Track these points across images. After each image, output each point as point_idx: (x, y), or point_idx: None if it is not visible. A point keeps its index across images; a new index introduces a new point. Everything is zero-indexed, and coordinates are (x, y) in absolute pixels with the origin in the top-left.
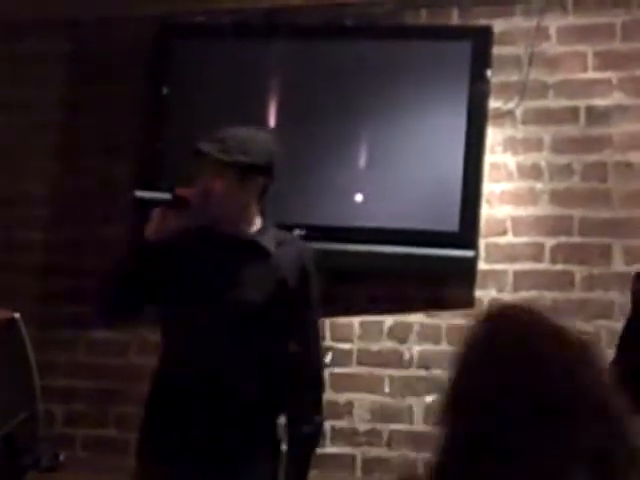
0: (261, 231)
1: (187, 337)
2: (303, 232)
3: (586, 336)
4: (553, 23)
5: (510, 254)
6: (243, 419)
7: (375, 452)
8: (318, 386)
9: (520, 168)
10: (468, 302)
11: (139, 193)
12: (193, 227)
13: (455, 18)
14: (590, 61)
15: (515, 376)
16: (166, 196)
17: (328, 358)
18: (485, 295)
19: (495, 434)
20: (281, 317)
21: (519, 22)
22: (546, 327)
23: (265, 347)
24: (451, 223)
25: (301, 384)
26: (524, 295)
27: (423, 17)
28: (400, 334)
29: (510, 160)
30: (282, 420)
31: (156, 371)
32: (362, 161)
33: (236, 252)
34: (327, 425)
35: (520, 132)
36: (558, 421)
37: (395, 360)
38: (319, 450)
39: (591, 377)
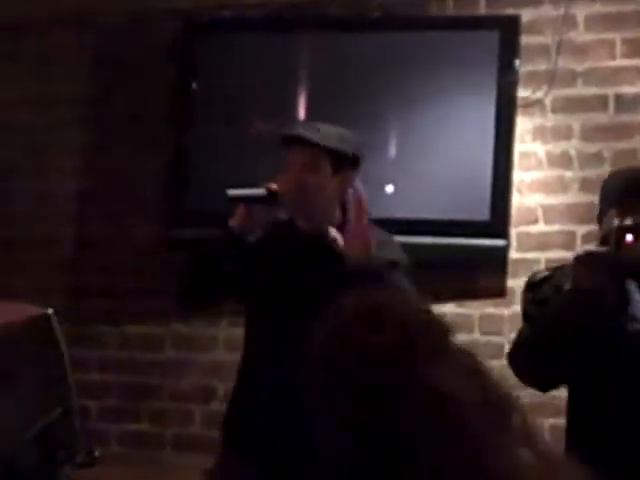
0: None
1: (264, 337)
2: None
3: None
4: (581, 11)
5: (541, 243)
6: None
7: None
8: None
9: (550, 156)
10: (500, 291)
11: (231, 192)
12: (276, 223)
13: (482, 8)
14: (618, 48)
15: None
16: (259, 191)
17: None
18: (517, 284)
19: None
20: None
21: (547, 11)
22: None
23: None
24: (482, 213)
25: None
26: None
27: (450, 7)
28: None
29: (540, 149)
30: None
31: (240, 366)
32: (392, 152)
33: (312, 254)
34: None
35: (549, 121)
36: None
37: None
38: None
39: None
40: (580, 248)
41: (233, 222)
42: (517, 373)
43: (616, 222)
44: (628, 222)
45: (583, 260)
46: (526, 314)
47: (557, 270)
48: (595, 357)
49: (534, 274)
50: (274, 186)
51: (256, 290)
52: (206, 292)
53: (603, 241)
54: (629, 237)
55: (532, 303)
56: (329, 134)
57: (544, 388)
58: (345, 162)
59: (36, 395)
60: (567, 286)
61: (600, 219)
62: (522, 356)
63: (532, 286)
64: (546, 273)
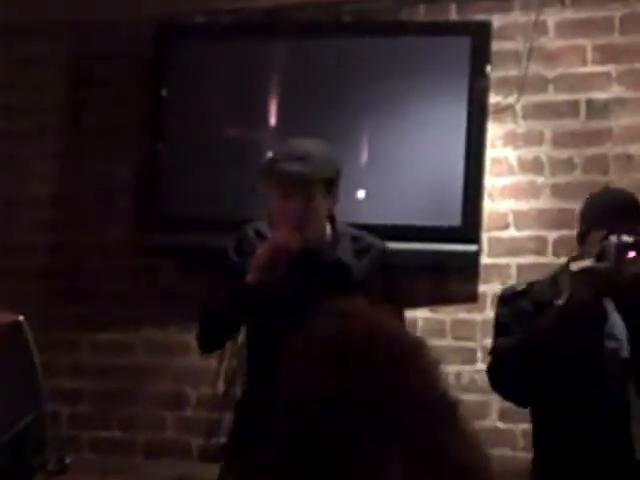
0: (335, 241)
1: (270, 358)
2: None
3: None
4: (551, 17)
5: (513, 248)
6: None
7: None
8: None
9: (521, 162)
10: (472, 296)
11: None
12: None
13: (453, 13)
14: (589, 55)
15: (351, 379)
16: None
17: None
18: (488, 289)
19: (326, 432)
20: None
21: (517, 17)
22: (379, 329)
23: None
24: (453, 218)
25: None
26: None
27: (421, 13)
28: None
29: (511, 154)
30: None
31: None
32: (363, 158)
33: (318, 274)
34: None
35: (520, 126)
36: (384, 421)
37: None
38: None
39: (417, 378)
40: (551, 254)
41: (250, 278)
42: (499, 388)
43: (614, 239)
44: (629, 239)
45: (583, 276)
46: (502, 328)
47: (532, 286)
48: (574, 372)
49: (506, 289)
50: (276, 241)
51: (269, 320)
52: (224, 340)
53: (599, 258)
54: (631, 253)
55: (511, 316)
56: (317, 162)
57: (526, 404)
58: (336, 182)
59: (7, 401)
60: (559, 301)
61: (580, 239)
62: (506, 371)
63: (506, 300)
64: (521, 287)
